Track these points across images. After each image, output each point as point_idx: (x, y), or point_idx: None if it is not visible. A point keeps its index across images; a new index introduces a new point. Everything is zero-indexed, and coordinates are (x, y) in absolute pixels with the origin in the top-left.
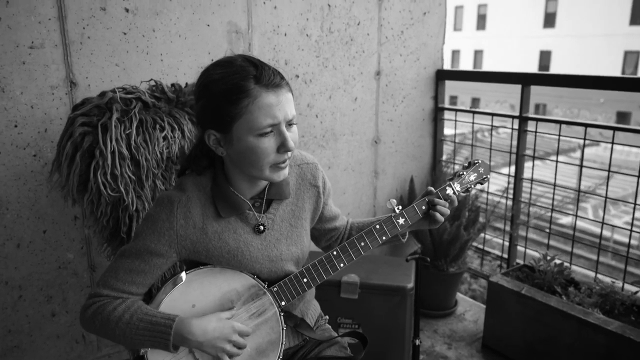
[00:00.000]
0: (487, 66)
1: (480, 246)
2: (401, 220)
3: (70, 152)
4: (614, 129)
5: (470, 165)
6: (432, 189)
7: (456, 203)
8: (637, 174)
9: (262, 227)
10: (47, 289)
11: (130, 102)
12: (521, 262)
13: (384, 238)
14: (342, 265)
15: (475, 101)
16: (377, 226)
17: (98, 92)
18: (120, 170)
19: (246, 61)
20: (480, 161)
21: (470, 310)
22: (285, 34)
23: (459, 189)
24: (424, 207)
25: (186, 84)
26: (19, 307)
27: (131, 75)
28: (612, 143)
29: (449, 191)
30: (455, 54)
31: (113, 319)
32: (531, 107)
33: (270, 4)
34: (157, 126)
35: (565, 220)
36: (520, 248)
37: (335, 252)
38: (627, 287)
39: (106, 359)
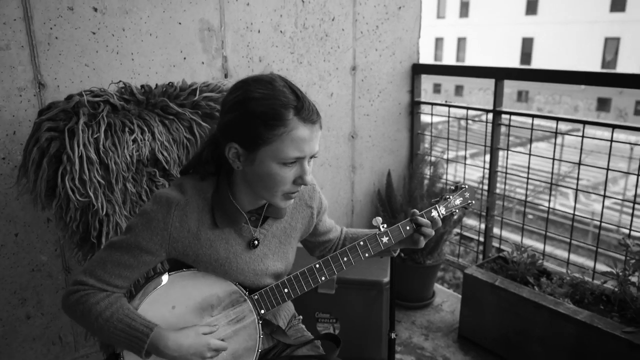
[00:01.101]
0: (470, 53)
1: (464, 234)
2: (385, 239)
3: (36, 157)
4: (584, 122)
5: (457, 189)
6: (417, 211)
7: (439, 225)
8: (606, 166)
9: (256, 242)
10: (20, 291)
11: (98, 105)
12: (496, 245)
13: (366, 255)
14: (323, 278)
15: (458, 88)
16: (361, 243)
17: (68, 93)
18: (88, 175)
19: (287, 87)
20: (466, 186)
21: (447, 301)
22: (259, 31)
23: (444, 212)
24: (408, 228)
25: (156, 85)
26: None
27: (101, 75)
28: (582, 137)
29: (434, 214)
30: (439, 41)
31: (94, 312)
32: (514, 94)
33: (242, 1)
34: (126, 129)
35: (546, 205)
36: (505, 234)
37: (317, 265)
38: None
39: None
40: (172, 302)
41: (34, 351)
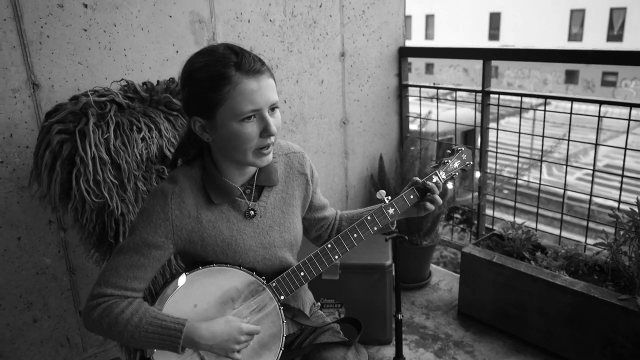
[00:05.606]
0: (439, 31)
1: (455, 216)
2: (391, 211)
3: (49, 161)
4: (572, 100)
5: (453, 152)
6: (418, 179)
7: (442, 189)
8: (594, 142)
9: (252, 212)
10: (26, 295)
11: (105, 105)
12: (491, 226)
13: (375, 229)
14: (336, 257)
15: (429, 66)
16: (369, 217)
17: (63, 93)
18: (102, 175)
19: (227, 49)
20: (463, 148)
21: (443, 280)
22: (249, 21)
23: (444, 177)
24: (412, 197)
25: (158, 81)
26: None
27: (95, 73)
28: (571, 114)
29: (435, 180)
30: (407, 20)
31: (121, 321)
32: None
33: None
34: (134, 128)
35: (524, 180)
36: (489, 211)
37: (330, 245)
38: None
39: None
40: (193, 301)
41: (42, 354)
